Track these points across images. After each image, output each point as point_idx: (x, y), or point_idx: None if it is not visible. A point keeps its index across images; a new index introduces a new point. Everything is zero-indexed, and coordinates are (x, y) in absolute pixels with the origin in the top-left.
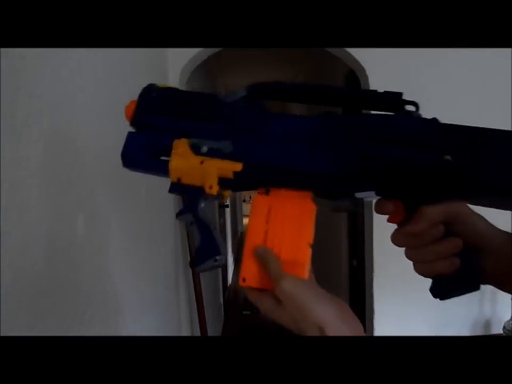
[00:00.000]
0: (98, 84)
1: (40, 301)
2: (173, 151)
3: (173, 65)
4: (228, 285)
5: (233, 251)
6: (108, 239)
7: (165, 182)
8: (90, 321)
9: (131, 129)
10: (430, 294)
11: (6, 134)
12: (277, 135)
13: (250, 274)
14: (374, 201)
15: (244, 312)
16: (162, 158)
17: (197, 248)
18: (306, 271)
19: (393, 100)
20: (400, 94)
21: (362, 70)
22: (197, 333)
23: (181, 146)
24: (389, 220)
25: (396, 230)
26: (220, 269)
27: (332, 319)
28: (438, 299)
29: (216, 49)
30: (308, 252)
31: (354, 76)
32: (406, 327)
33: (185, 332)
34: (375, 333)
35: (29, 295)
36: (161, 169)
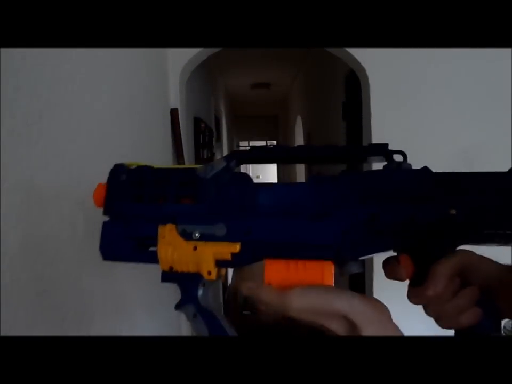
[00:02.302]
0: (98, 83)
1: (40, 301)
2: (160, 239)
3: (173, 65)
4: (228, 285)
5: None
6: None
7: None
8: (90, 321)
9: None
10: None
11: (6, 134)
12: (271, 208)
13: (276, 279)
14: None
15: (244, 312)
16: (150, 248)
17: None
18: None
19: (380, 151)
20: (385, 145)
21: (362, 70)
22: None
23: (168, 234)
24: (402, 279)
25: (412, 291)
26: None
27: (359, 306)
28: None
29: (216, 49)
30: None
31: (354, 75)
32: (406, 327)
33: (185, 332)
34: None
35: (29, 295)
36: (149, 259)
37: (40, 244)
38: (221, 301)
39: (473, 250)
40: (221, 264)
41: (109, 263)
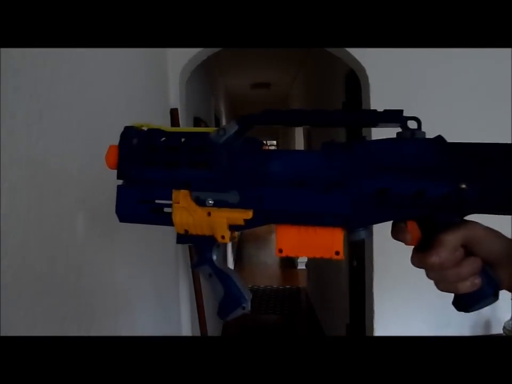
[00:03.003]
0: (98, 83)
1: (40, 301)
2: (174, 204)
3: (173, 65)
4: None
5: (233, 251)
6: (107, 239)
7: None
8: (90, 321)
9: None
10: (431, 295)
11: (6, 134)
12: (283, 177)
13: (287, 245)
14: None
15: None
16: (165, 210)
17: (222, 299)
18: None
19: (394, 118)
20: (400, 111)
21: (362, 70)
22: (197, 333)
23: (182, 199)
24: (406, 243)
25: (416, 256)
26: None
27: None
28: (462, 311)
29: (216, 49)
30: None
31: (354, 75)
32: (406, 327)
33: (185, 332)
34: (375, 333)
35: (29, 295)
36: (164, 222)
37: (40, 243)
38: None
39: (479, 222)
40: (234, 228)
41: (108, 263)
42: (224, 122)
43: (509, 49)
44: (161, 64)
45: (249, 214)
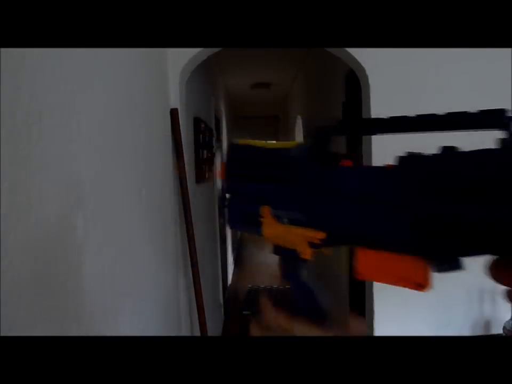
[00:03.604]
0: (98, 83)
1: (40, 301)
2: (262, 219)
3: (173, 65)
4: (228, 285)
5: (233, 251)
6: (107, 239)
7: (164, 180)
8: (90, 321)
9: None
10: (431, 295)
11: (6, 134)
12: (352, 194)
13: (366, 270)
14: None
15: (244, 312)
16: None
17: (301, 311)
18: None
19: (494, 119)
20: (502, 110)
21: (362, 70)
22: (197, 333)
23: (266, 215)
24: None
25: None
26: (219, 269)
27: None
28: None
29: (216, 49)
30: None
31: (354, 75)
32: (406, 327)
33: (185, 332)
34: (375, 333)
35: (29, 295)
36: (259, 233)
37: (40, 243)
38: (221, 301)
39: None
40: (314, 246)
41: (108, 263)
42: (224, 122)
43: (509, 49)
44: (161, 64)
45: (321, 235)
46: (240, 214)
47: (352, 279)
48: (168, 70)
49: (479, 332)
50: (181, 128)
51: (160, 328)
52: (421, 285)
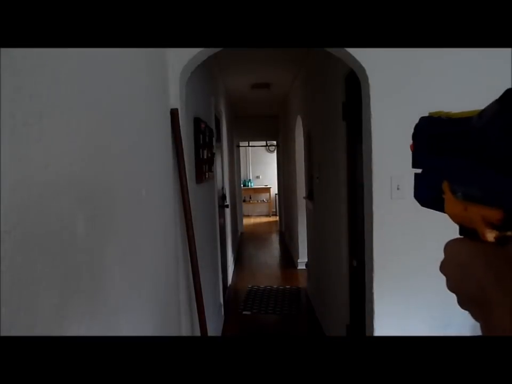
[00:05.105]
0: (98, 83)
1: (40, 301)
2: (443, 195)
3: (173, 65)
4: (228, 285)
5: (233, 251)
6: (107, 239)
7: (164, 180)
8: (90, 321)
9: None
10: (431, 295)
11: (6, 134)
12: None
13: None
14: None
15: (244, 312)
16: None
17: None
18: None
19: None
20: None
21: (362, 70)
22: (197, 333)
23: (445, 190)
24: None
25: None
26: (220, 269)
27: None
28: None
29: (216, 49)
30: None
31: (354, 75)
32: (406, 327)
33: (185, 332)
34: (375, 333)
35: (29, 295)
36: (443, 210)
37: (40, 243)
38: (221, 301)
39: None
40: (495, 227)
41: (108, 263)
42: (224, 122)
43: (509, 49)
44: (161, 64)
45: (498, 215)
46: (427, 190)
47: (352, 279)
48: (168, 70)
49: (479, 332)
50: (181, 128)
51: (160, 328)
52: None
